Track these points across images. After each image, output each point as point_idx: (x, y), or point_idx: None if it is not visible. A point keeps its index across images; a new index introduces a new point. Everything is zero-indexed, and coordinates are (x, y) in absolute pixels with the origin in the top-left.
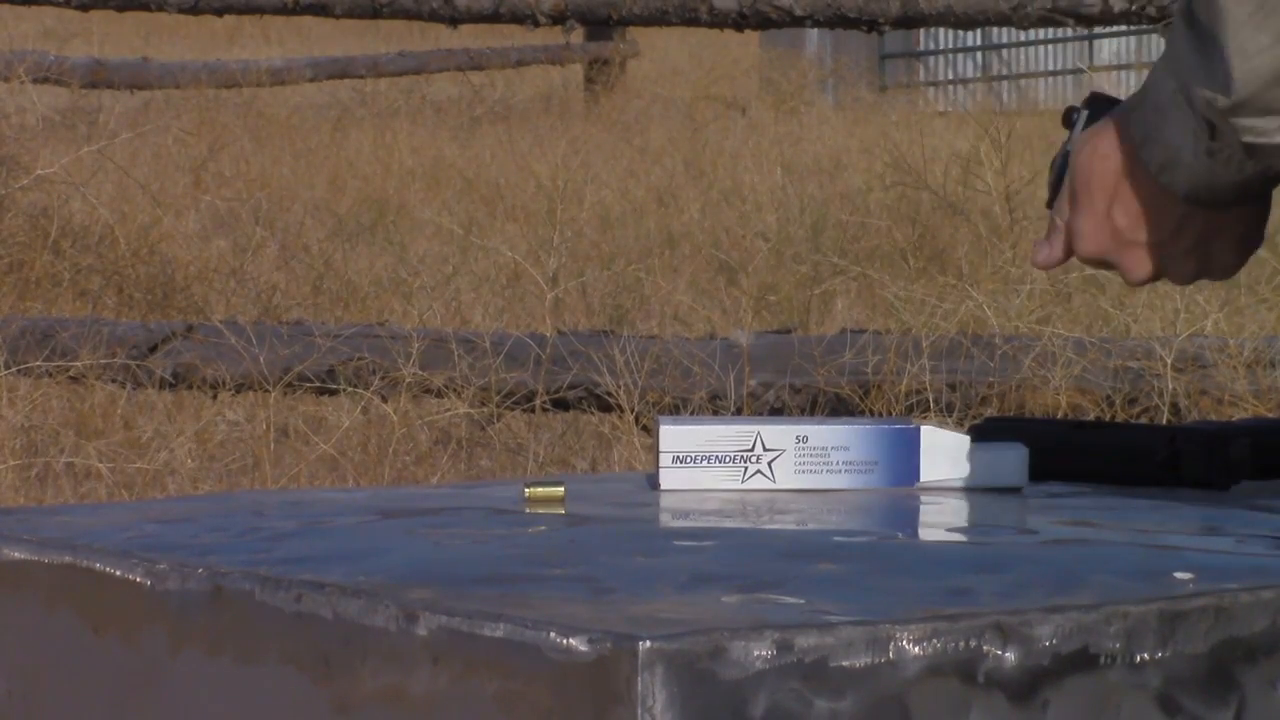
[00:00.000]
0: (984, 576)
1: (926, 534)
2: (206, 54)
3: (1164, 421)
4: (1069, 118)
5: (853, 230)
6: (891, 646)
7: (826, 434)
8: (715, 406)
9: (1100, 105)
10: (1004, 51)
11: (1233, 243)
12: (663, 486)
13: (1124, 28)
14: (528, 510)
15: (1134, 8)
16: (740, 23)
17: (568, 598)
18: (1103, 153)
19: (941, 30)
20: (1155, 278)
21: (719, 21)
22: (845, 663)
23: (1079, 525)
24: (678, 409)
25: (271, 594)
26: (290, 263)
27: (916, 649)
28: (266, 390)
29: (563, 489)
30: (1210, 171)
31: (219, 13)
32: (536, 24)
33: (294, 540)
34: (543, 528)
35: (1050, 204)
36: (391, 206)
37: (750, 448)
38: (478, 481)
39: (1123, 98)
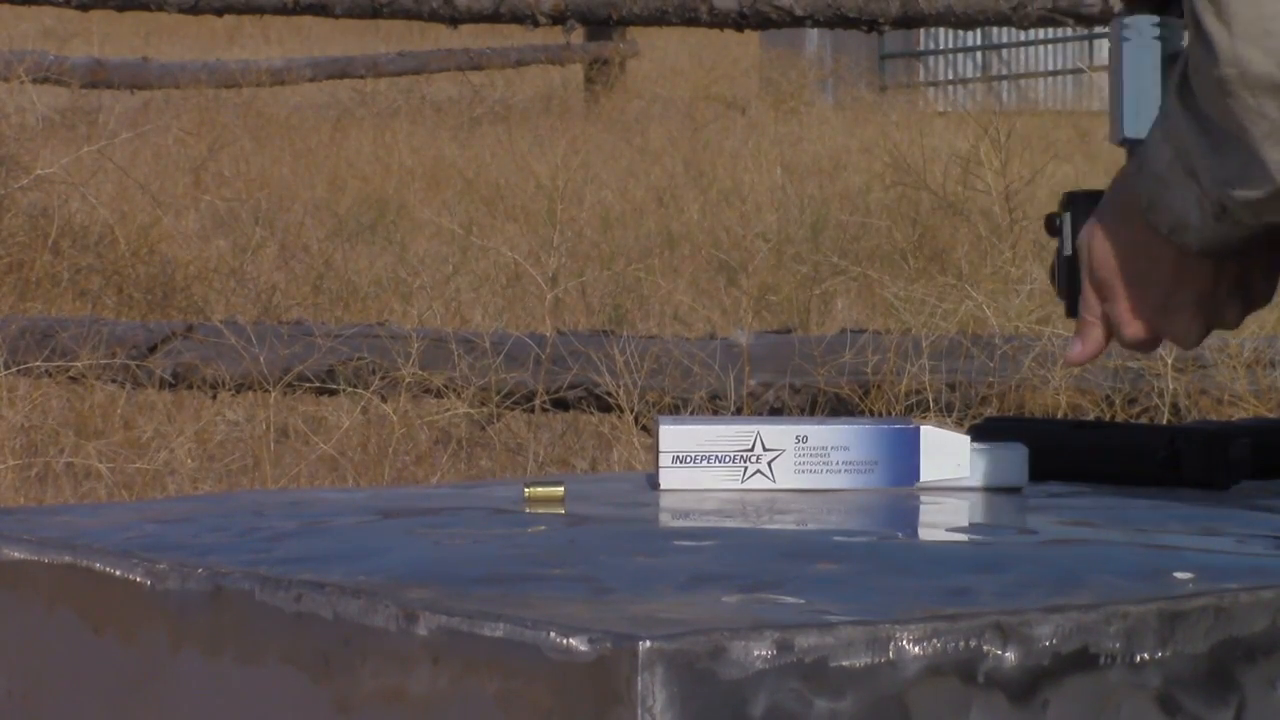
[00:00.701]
0: (984, 576)
1: (926, 534)
2: (206, 54)
3: (1164, 421)
4: (1052, 225)
5: (853, 230)
6: (891, 646)
7: (826, 434)
8: (715, 406)
9: (1080, 202)
10: (1004, 51)
11: (1265, 271)
12: (663, 486)
13: None
14: (528, 510)
15: None
16: (740, 23)
17: (568, 598)
18: (1112, 232)
19: (941, 30)
20: (1208, 332)
21: (719, 21)
22: (845, 663)
23: (1079, 525)
24: (678, 409)
25: (271, 594)
26: (290, 263)
27: (916, 649)
28: (266, 390)
29: (563, 489)
30: (1217, 231)
31: (219, 13)
32: (536, 24)
33: (294, 540)
34: (543, 528)
35: (1071, 312)
36: (391, 206)
37: (750, 448)
38: (478, 481)
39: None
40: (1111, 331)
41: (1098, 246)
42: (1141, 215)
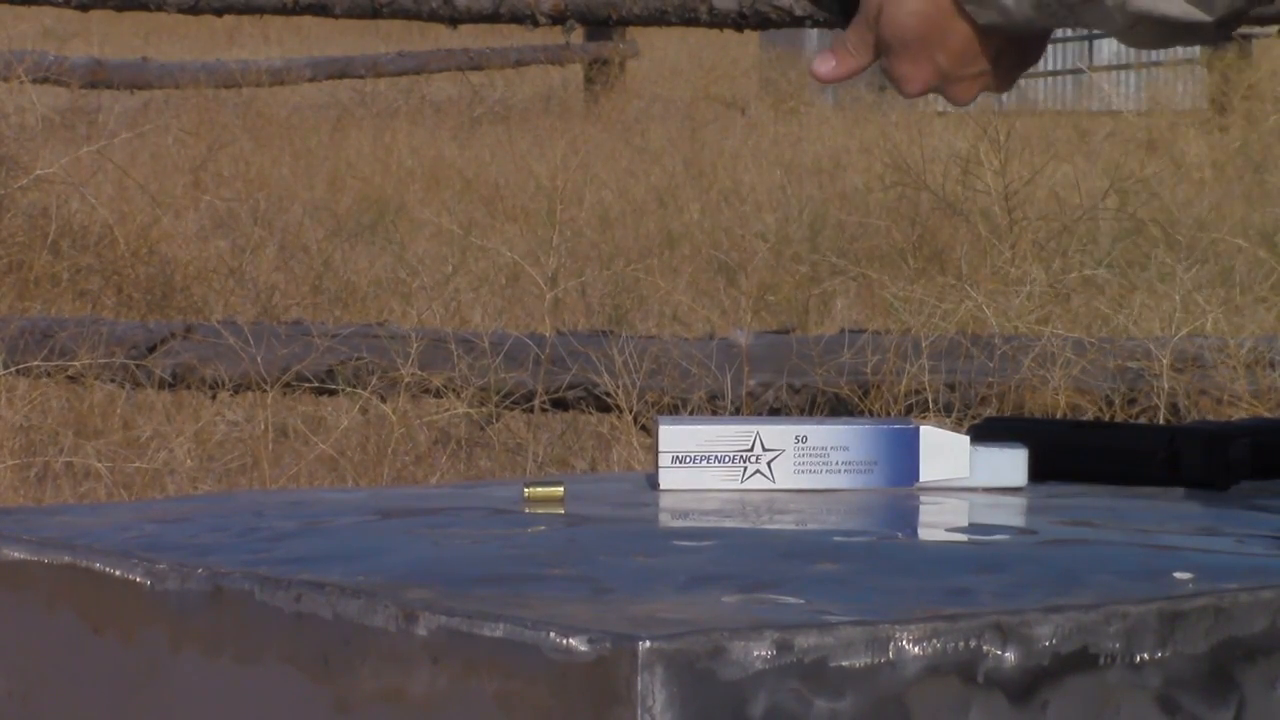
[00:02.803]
0: (984, 576)
1: (926, 534)
2: (206, 54)
3: (1163, 421)
4: None
5: (852, 230)
6: (891, 646)
7: (826, 434)
8: (714, 406)
9: None
10: None
11: (1040, 42)
12: (662, 486)
13: None
14: (527, 510)
15: None
16: (740, 23)
17: (568, 598)
18: (911, 8)
19: None
20: (977, 95)
21: (719, 22)
22: (845, 663)
23: (1079, 525)
24: (677, 409)
25: (271, 594)
26: (289, 263)
27: (916, 649)
28: (265, 390)
29: (562, 489)
30: (1027, 19)
31: (219, 13)
32: (536, 24)
33: (294, 540)
34: (542, 528)
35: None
36: (391, 207)
37: (749, 448)
38: (477, 481)
39: (1113, 96)
40: (896, 85)
41: (892, 9)
42: None
